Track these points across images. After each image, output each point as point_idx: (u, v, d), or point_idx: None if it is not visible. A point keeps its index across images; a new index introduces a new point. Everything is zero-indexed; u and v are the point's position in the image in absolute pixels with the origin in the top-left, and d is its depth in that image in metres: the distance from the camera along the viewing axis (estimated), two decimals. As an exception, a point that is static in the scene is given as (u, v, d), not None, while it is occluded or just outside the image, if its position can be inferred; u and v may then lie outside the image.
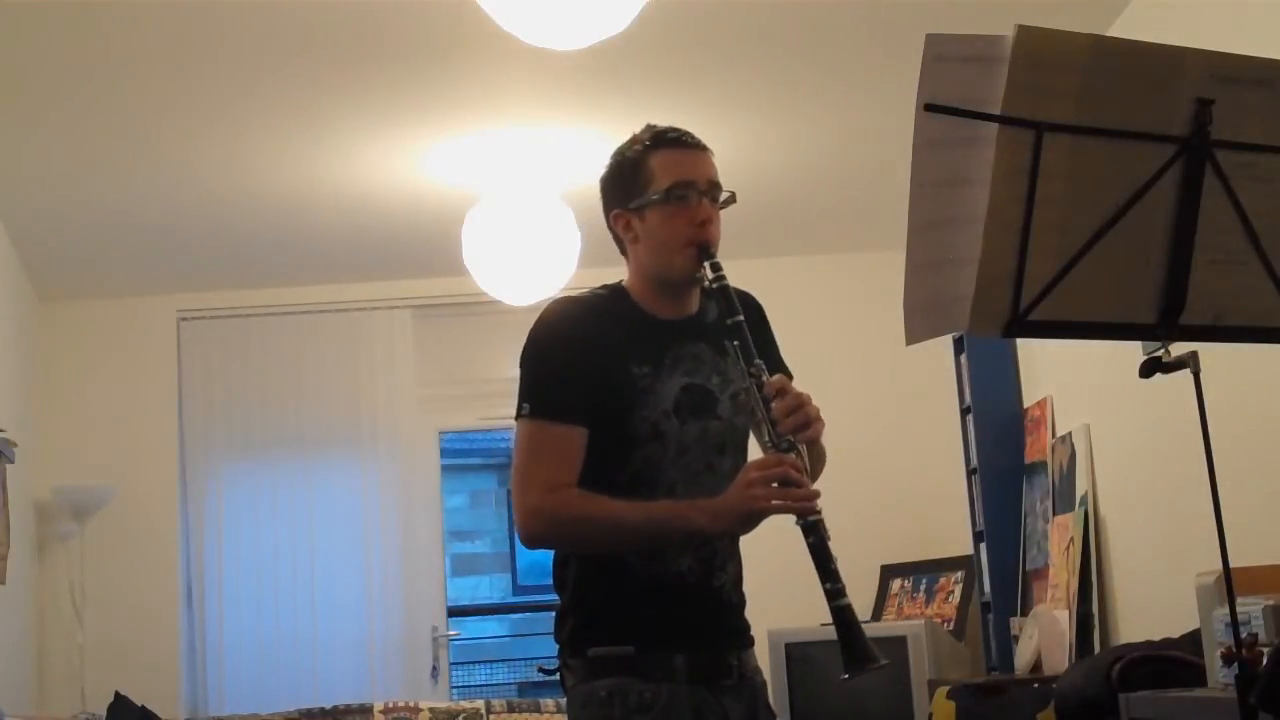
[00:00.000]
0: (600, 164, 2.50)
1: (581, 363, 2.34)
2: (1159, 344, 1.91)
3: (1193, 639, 3.19)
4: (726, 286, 2.35)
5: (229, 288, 6.18)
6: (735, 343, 2.33)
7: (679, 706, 2.29)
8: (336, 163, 4.96)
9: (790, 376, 2.45)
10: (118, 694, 5.23)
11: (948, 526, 5.78)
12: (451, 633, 6.42)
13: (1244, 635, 2.39)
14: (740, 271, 2.43)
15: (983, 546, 5.43)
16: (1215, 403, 1.94)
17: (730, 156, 2.47)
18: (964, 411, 5.59)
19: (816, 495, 2.24)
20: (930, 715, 4.51)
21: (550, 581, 2.46)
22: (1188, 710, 2.88)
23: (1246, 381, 3.24)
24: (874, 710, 5.01)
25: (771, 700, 2.55)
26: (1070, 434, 4.87)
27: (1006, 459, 5.36)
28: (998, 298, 1.74)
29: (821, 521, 2.22)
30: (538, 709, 5.72)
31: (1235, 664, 2.09)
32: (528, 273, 5.07)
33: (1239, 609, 2.21)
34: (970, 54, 1.70)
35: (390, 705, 5.58)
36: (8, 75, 4.12)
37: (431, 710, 5.57)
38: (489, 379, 6.17)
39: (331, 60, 4.18)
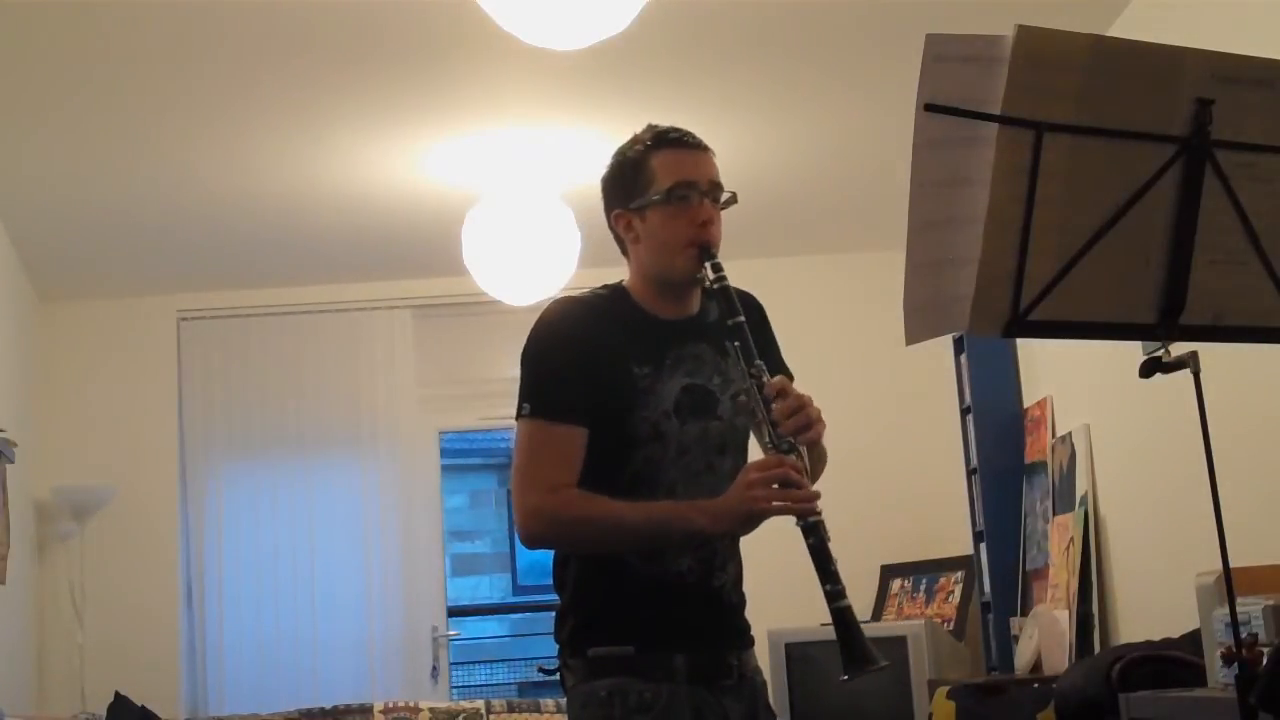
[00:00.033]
0: (600, 164, 2.50)
1: (582, 363, 2.34)
2: (1159, 344, 1.91)
3: (1193, 639, 3.19)
4: (727, 287, 2.35)
5: (229, 288, 6.18)
6: (736, 343, 2.33)
7: (679, 706, 2.29)
8: (336, 163, 4.96)
9: (791, 377, 2.45)
10: (118, 694, 5.23)
11: (948, 526, 5.78)
12: (451, 633, 6.42)
13: (1244, 635, 2.39)
14: (740, 271, 2.43)
15: (983, 546, 5.43)
16: (1215, 403, 1.94)
17: (730, 156, 2.47)
18: (964, 411, 5.59)
19: (817, 496, 2.24)
20: (930, 715, 4.52)
21: (550, 581, 2.46)
22: (1188, 710, 2.88)
23: (1246, 381, 3.24)
24: (874, 710, 5.01)
25: (771, 700, 2.55)
26: (1070, 434, 4.87)
27: (1006, 459, 5.37)
28: (998, 298, 1.74)
29: (822, 523, 2.22)
30: (538, 709, 5.72)
31: (1235, 664, 2.09)
32: (528, 273, 5.07)
33: (1239, 609, 2.21)
34: (970, 54, 1.70)
35: (390, 705, 5.58)
36: (8, 75, 4.12)
37: (431, 710, 5.57)
38: (489, 379, 6.18)
39: (331, 60, 4.18)
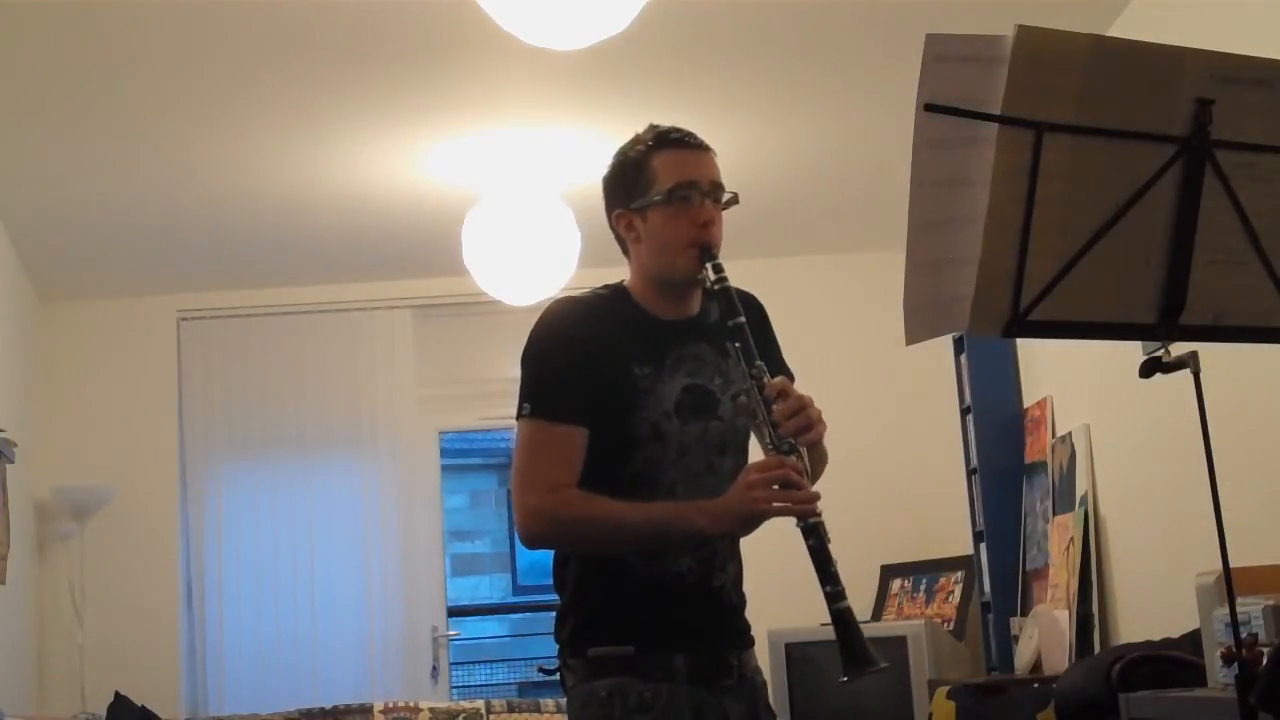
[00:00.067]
0: (600, 164, 2.50)
1: (582, 363, 2.34)
2: (1159, 344, 1.91)
3: (1193, 639, 3.19)
4: (728, 288, 2.34)
5: (229, 288, 6.18)
6: (737, 344, 2.33)
7: (679, 706, 2.29)
8: (336, 163, 4.96)
9: (792, 377, 2.45)
10: (118, 694, 5.23)
11: (948, 526, 5.78)
12: (451, 633, 6.42)
13: (1244, 635, 2.39)
14: (740, 271, 2.43)
15: (983, 546, 5.43)
16: (1215, 403, 1.94)
17: (730, 156, 2.47)
18: (964, 411, 5.59)
19: (817, 498, 2.24)
20: (930, 715, 4.52)
21: (550, 581, 2.46)
22: (1188, 710, 2.88)
23: (1246, 381, 3.24)
24: (874, 710, 5.01)
25: (771, 700, 2.55)
26: (1070, 434, 4.87)
27: (1006, 459, 5.36)
28: (998, 298, 1.74)
29: (822, 524, 2.22)
30: (538, 709, 5.72)
31: (1235, 664, 2.09)
32: (528, 273, 5.07)
33: (1239, 609, 2.21)
34: (970, 54, 1.70)
35: (390, 705, 5.58)
36: (8, 75, 4.12)
37: (431, 710, 5.57)
38: (489, 379, 6.18)
39: (331, 60, 4.19)
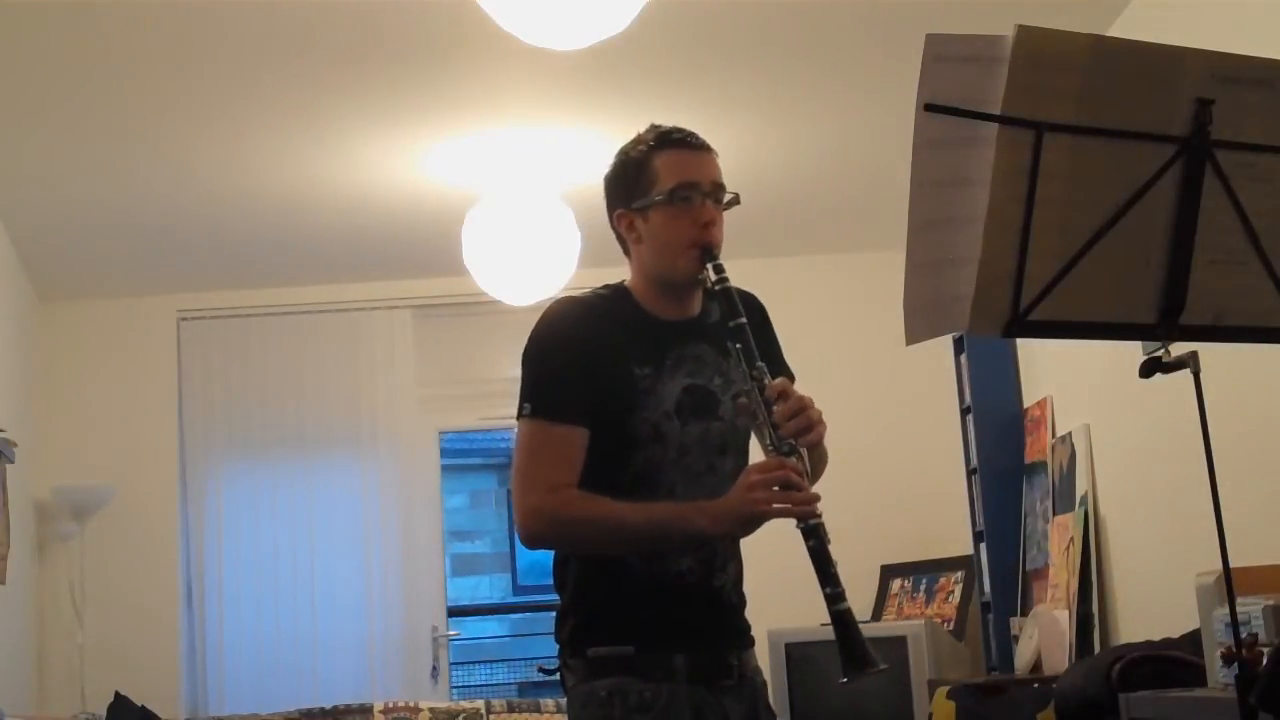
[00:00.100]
0: (600, 164, 2.50)
1: (583, 363, 2.34)
2: (1159, 344, 1.91)
3: (1193, 639, 3.19)
4: (729, 289, 2.34)
5: (229, 288, 6.18)
6: (738, 345, 2.33)
7: (679, 706, 2.29)
8: (336, 163, 4.96)
9: (792, 377, 2.45)
10: (118, 694, 5.23)
11: (948, 526, 5.78)
12: (451, 633, 6.42)
13: (1244, 635, 2.39)
14: (741, 271, 2.43)
15: (983, 546, 5.43)
16: (1215, 403, 1.94)
17: (730, 156, 2.47)
18: (964, 411, 5.59)
19: (817, 499, 2.24)
20: (930, 715, 4.52)
21: (550, 581, 2.46)
22: (1188, 710, 2.88)
23: (1246, 381, 3.24)
24: (874, 710, 5.01)
25: (771, 700, 2.55)
26: (1070, 434, 4.87)
27: (1006, 459, 5.37)
28: (998, 298, 1.74)
29: (822, 525, 2.22)
30: (538, 709, 5.72)
31: (1235, 664, 2.09)
32: (528, 273, 5.07)
33: (1239, 609, 2.21)
34: (970, 54, 1.70)
35: (390, 705, 5.58)
36: (8, 75, 4.12)
37: (431, 710, 5.57)
38: (489, 379, 6.18)
39: (331, 60, 4.19)
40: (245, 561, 6.02)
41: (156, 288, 6.15)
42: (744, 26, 4.15)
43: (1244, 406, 3.34)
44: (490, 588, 11.82)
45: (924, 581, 5.86)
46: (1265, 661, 2.12)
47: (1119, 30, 4.02)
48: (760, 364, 2.30)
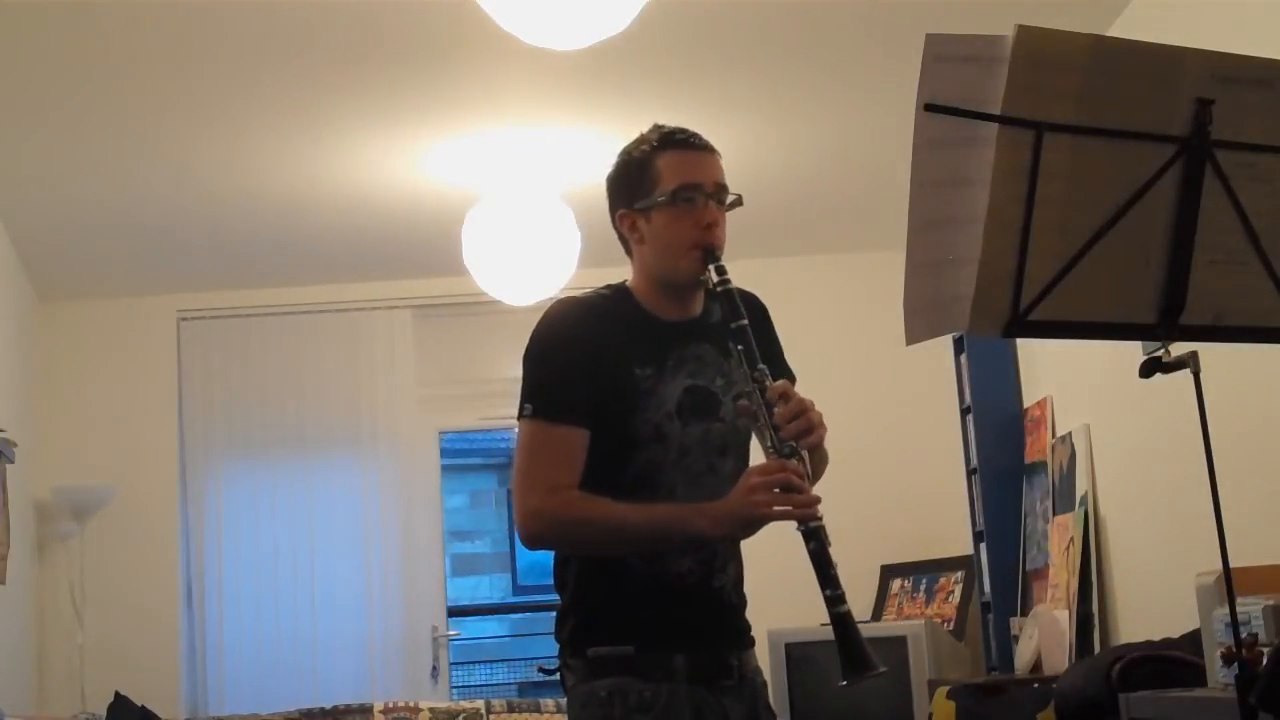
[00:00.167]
0: (600, 164, 2.49)
1: (584, 364, 2.34)
2: (1159, 344, 1.91)
3: (1193, 639, 3.19)
4: (731, 290, 2.34)
5: (229, 288, 6.18)
6: (739, 347, 2.32)
7: (679, 706, 2.29)
8: (336, 163, 4.96)
9: (793, 377, 2.45)
10: (118, 694, 5.23)
11: (948, 526, 5.78)
12: (451, 633, 6.42)
13: (1244, 635, 2.39)
14: (741, 271, 2.42)
15: (983, 546, 5.43)
16: (1215, 403, 1.94)
17: (730, 157, 2.47)
18: (964, 411, 5.59)
19: (818, 501, 2.23)
20: (930, 715, 4.52)
21: (550, 581, 2.46)
22: (1188, 710, 2.88)
23: (1246, 381, 3.24)
24: (874, 710, 5.01)
25: (772, 700, 2.55)
26: (1070, 434, 4.87)
27: (1006, 459, 5.36)
28: (998, 298, 1.74)
29: (822, 528, 2.21)
30: (538, 709, 5.72)
31: (1235, 664, 2.09)
32: (528, 273, 5.07)
33: (1239, 609, 2.21)
34: (970, 54, 1.70)
35: (390, 705, 5.58)
36: (8, 75, 4.12)
37: (431, 710, 5.57)
38: (489, 379, 6.18)
39: (331, 60, 4.19)
40: (245, 561, 6.02)
41: (156, 288, 6.15)
42: (744, 26, 4.15)
43: (1244, 406, 3.34)
44: (490, 588, 11.82)
45: (924, 581, 5.86)
46: (1265, 661, 2.12)
47: (1119, 30, 4.02)
48: (762, 366, 2.30)
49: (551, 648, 2.44)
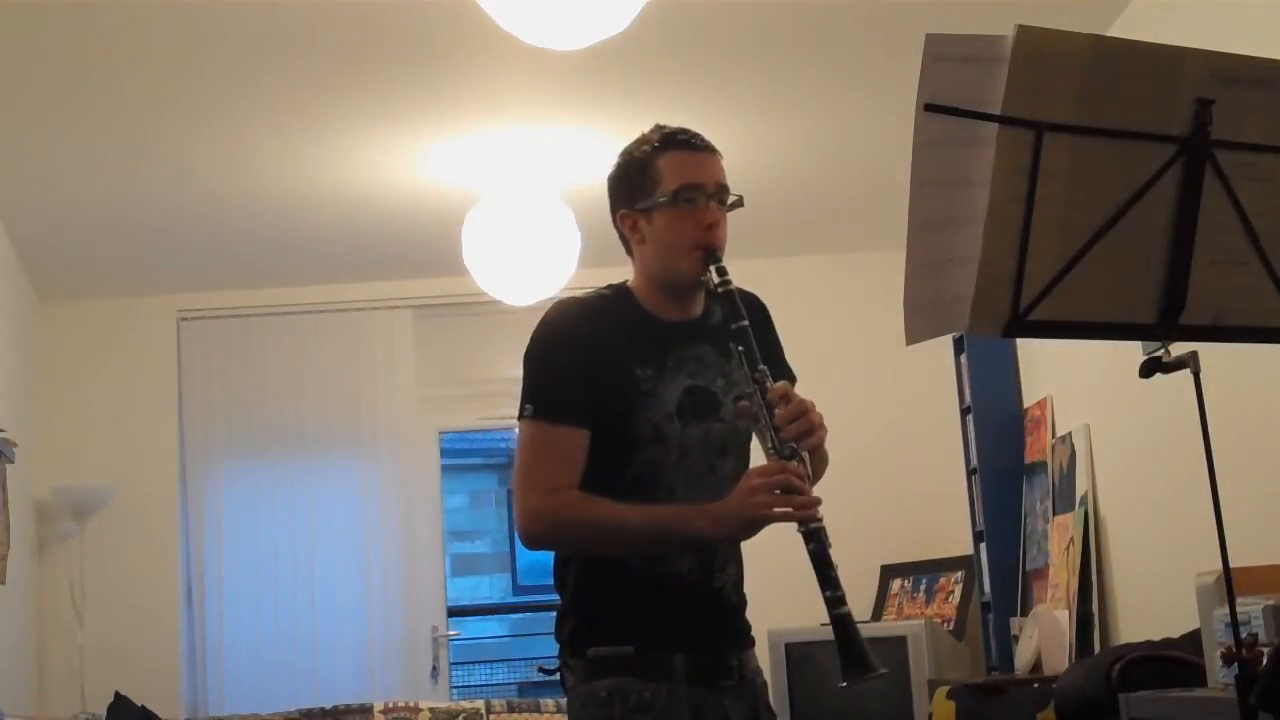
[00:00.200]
0: (600, 164, 2.49)
1: (584, 364, 2.34)
2: (1159, 344, 1.91)
3: (1193, 639, 3.19)
4: (732, 291, 2.34)
5: (229, 288, 6.18)
6: (740, 348, 2.32)
7: (678, 706, 2.29)
8: (336, 163, 4.96)
9: (794, 378, 2.45)
10: (118, 694, 5.23)
11: (948, 526, 5.78)
12: (451, 633, 6.42)
13: (1244, 635, 2.39)
14: (741, 272, 2.42)
15: (983, 546, 5.43)
16: (1215, 403, 1.94)
17: (730, 157, 2.47)
18: (964, 411, 5.59)
19: (818, 503, 2.23)
20: (930, 715, 4.52)
21: (550, 581, 2.46)
22: (1188, 710, 2.88)
23: (1246, 381, 3.24)
24: (874, 710, 5.01)
25: (772, 701, 2.55)
26: (1070, 434, 4.87)
27: (1006, 459, 5.37)
28: (998, 298, 1.74)
29: (823, 529, 2.21)
30: (538, 709, 5.72)
31: (1235, 664, 2.09)
32: (528, 273, 5.07)
33: (1239, 609, 2.21)
34: (970, 54, 1.70)
35: (390, 705, 5.58)
36: (8, 75, 4.12)
37: (431, 710, 5.57)
38: (489, 379, 6.18)
39: (331, 60, 4.19)
40: (245, 561, 6.02)
41: (156, 288, 6.15)
42: (744, 26, 4.15)
43: (1244, 406, 3.34)
44: (490, 588, 11.82)
45: (924, 581, 5.86)
46: (1265, 661, 2.12)
47: (1119, 30, 4.02)
48: (763, 367, 2.30)
49: (551, 648, 2.44)
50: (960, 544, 5.69)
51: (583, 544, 2.37)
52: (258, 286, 6.18)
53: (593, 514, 2.30)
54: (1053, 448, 5.06)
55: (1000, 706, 4.21)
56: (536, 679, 8.40)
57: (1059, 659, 4.57)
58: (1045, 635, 4.70)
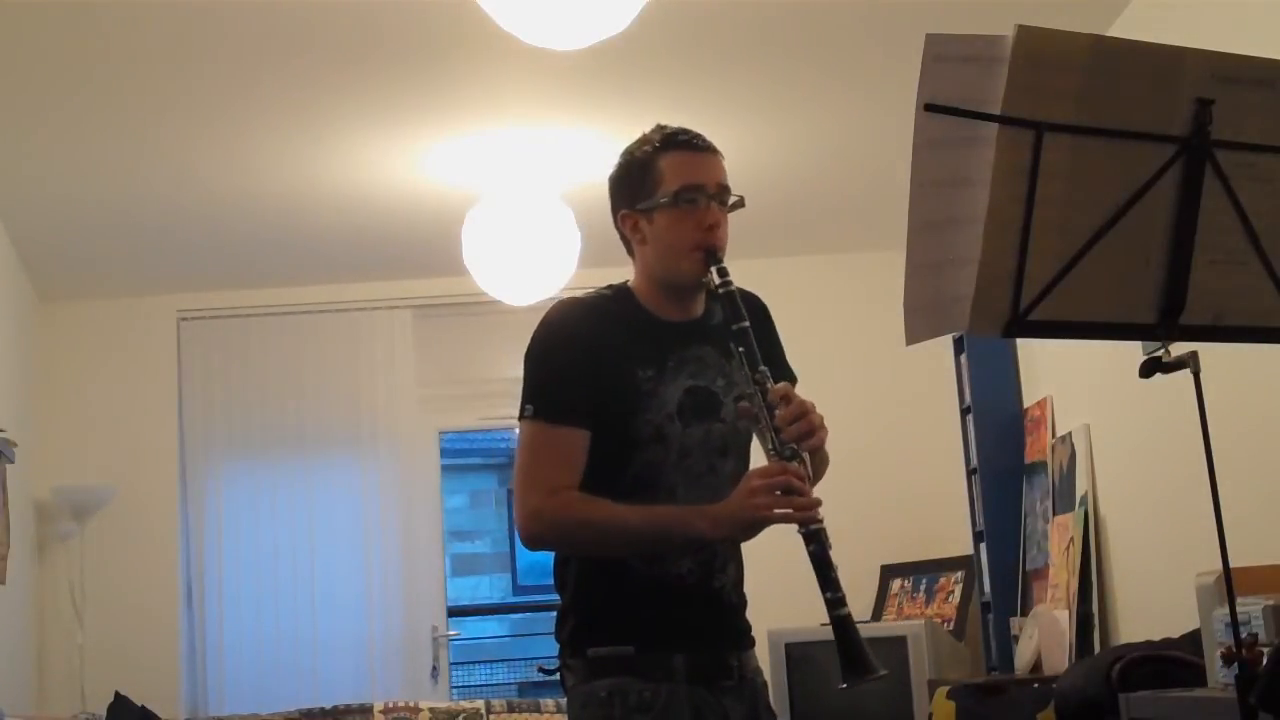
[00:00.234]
0: (600, 164, 2.49)
1: (585, 365, 2.34)
2: (1159, 344, 1.91)
3: (1193, 639, 3.19)
4: (733, 292, 2.34)
5: (229, 288, 6.18)
6: (741, 349, 2.32)
7: (678, 706, 2.29)
8: (336, 163, 4.96)
9: (794, 378, 2.45)
10: (118, 694, 5.23)
11: (948, 526, 5.78)
12: (451, 633, 6.42)
13: (1244, 635, 2.39)
14: (741, 272, 2.42)
15: (983, 546, 5.43)
16: (1215, 403, 1.94)
17: (730, 157, 2.47)
18: (964, 411, 5.59)
19: (818, 504, 2.23)
20: (930, 715, 4.52)
21: (550, 581, 2.46)
22: (1188, 710, 2.88)
23: (1246, 381, 3.24)
24: (874, 710, 5.01)
25: (772, 701, 2.55)
26: (1070, 434, 4.87)
27: (1006, 459, 5.37)
28: (998, 298, 1.74)
29: (823, 530, 2.21)
30: (538, 709, 5.72)
31: (1235, 664, 2.09)
32: (528, 273, 5.07)
33: (1239, 609, 2.21)
34: (970, 54, 1.70)
35: (390, 705, 5.58)
36: (8, 75, 4.12)
37: (431, 710, 5.57)
38: (489, 379, 6.19)
39: (331, 60, 4.19)
40: (245, 561, 6.02)
41: (156, 288, 6.15)
42: (744, 26, 4.15)
43: (1244, 406, 3.34)
44: (490, 588, 11.82)
45: (924, 581, 5.86)
46: (1265, 661, 2.12)
47: (1119, 30, 4.02)
48: (763, 368, 2.30)
49: (551, 648, 2.44)
50: (960, 544, 5.69)
51: (583, 544, 2.37)
52: (258, 286, 6.18)
53: (593, 514, 2.30)
54: (1053, 448, 5.06)
55: (1000, 706, 4.21)
56: (536, 679, 8.40)
57: (1059, 659, 4.57)
58: (1045, 635, 4.70)
